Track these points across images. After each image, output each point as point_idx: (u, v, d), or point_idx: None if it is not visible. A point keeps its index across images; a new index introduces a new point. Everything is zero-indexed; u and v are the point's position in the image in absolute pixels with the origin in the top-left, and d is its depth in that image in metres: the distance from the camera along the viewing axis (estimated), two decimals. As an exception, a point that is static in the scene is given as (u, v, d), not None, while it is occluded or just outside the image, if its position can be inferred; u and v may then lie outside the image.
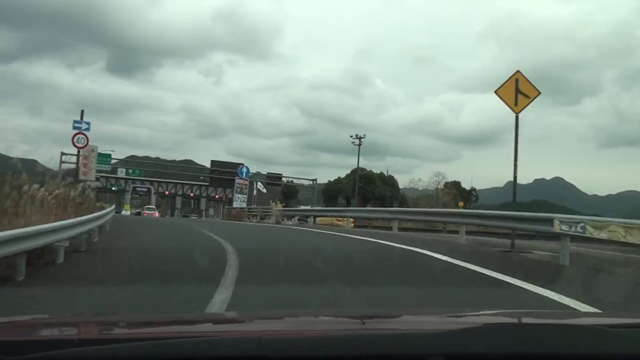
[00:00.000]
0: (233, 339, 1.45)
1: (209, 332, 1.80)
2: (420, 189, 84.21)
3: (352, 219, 22.99)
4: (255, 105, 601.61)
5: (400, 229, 17.95)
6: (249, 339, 1.39)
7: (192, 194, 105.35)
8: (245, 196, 33.01)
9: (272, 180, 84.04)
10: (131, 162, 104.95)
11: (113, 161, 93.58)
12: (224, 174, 71.45)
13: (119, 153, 71.64)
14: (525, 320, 2.02)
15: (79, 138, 22.95)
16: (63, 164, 68.15)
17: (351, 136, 66.68)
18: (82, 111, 23.51)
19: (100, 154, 69.39)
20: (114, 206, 25.15)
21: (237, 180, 32.94)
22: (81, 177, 26.05)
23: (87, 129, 23.19)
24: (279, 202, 34.93)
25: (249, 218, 31.04)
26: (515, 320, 2.00)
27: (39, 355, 1.24)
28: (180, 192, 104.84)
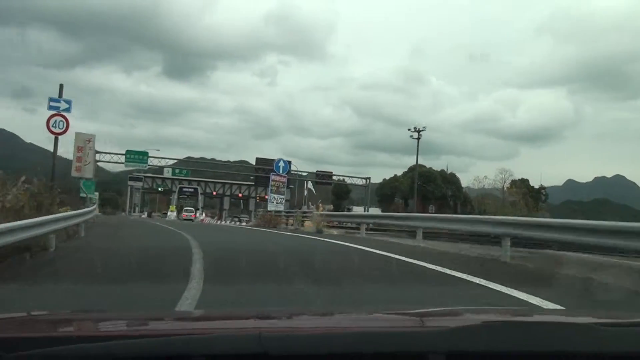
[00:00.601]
0: (232, 335, 1.45)
1: (207, 329, 1.76)
2: (487, 187, 75.75)
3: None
4: (308, 105, 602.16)
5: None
6: (248, 335, 1.41)
7: (240, 195, 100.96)
8: (282, 196, 26.60)
9: (322, 179, 77.09)
10: (182, 162, 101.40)
11: (169, 162, 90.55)
12: (269, 172, 66.18)
13: (175, 154, 67.38)
14: (524, 318, 2.07)
15: (56, 121, 17.20)
16: (99, 163, 64.98)
17: (409, 129, 60.37)
18: (61, 86, 17.86)
19: (134, 152, 65.30)
20: (91, 208, 19.48)
21: (272, 177, 26.34)
22: (74, 173, 20.78)
23: (68, 110, 17.46)
24: (321, 205, 29.03)
25: (287, 224, 25.30)
26: (514, 319, 2.04)
27: (32, 352, 1.24)
28: (228, 193, 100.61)
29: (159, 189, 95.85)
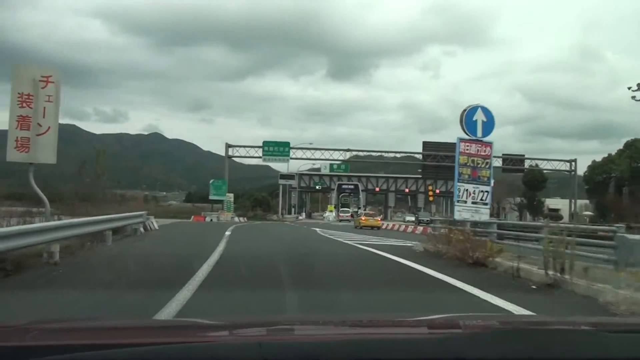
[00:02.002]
0: (232, 343, 1.49)
1: (207, 336, 1.78)
2: None
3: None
4: (475, 94, 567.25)
5: None
6: (248, 343, 1.43)
7: (407, 190, 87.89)
8: (486, 190, 11.69)
9: (510, 164, 59.77)
10: (352, 162, 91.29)
11: (335, 160, 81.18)
12: (441, 160, 51.83)
13: (344, 154, 57.37)
14: (532, 326, 2.11)
15: None
16: (245, 159, 56.85)
17: (629, 88, 42.72)
18: None
19: (273, 143, 55.61)
20: None
21: (461, 148, 11.83)
22: (11, 155, 9.64)
23: None
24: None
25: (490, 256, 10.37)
26: (522, 326, 2.06)
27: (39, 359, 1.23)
28: (392, 188, 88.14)
29: (316, 186, 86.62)
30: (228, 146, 56.46)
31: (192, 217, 46.38)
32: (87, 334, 1.81)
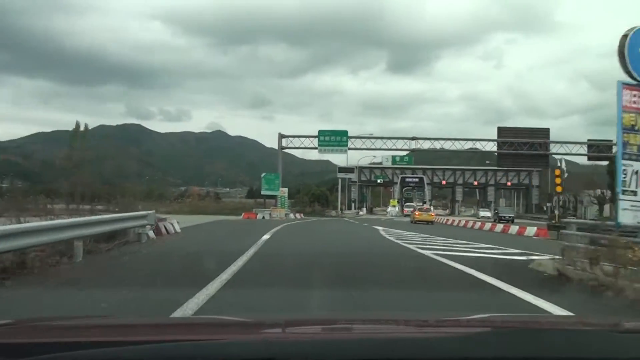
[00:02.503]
0: (241, 341, 1.48)
1: (217, 335, 1.74)
2: None
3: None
4: (539, 83, 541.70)
5: None
6: (257, 341, 1.47)
7: (476, 182, 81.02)
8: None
9: (595, 150, 52.19)
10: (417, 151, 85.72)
11: (397, 154, 75.64)
12: (519, 147, 45.33)
13: (408, 143, 51.56)
14: (535, 325, 2.10)
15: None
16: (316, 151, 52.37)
17: None
18: None
19: (329, 132, 50.63)
20: None
21: (626, 100, 7.40)
22: None
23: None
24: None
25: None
26: (525, 325, 2.06)
27: (44, 357, 1.22)
28: (460, 181, 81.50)
29: (378, 180, 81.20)
30: (281, 137, 52.09)
31: (243, 214, 42.21)
32: (95, 331, 1.82)
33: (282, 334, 1.79)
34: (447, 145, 54.63)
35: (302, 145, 52.30)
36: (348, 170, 69.22)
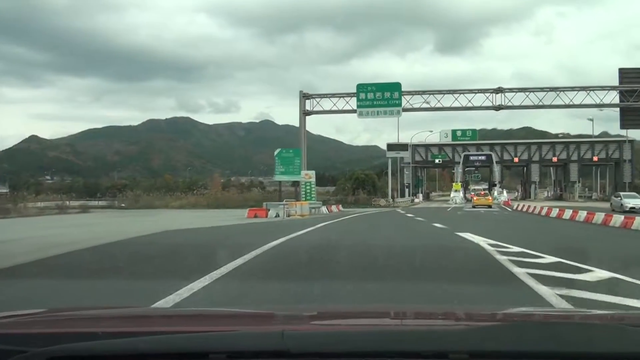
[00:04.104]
0: (255, 332, 1.51)
1: (229, 326, 1.78)
2: None
3: None
4: (593, 58, 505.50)
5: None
6: (271, 333, 1.44)
7: (555, 158, 67.15)
8: None
9: None
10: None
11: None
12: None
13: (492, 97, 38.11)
14: (547, 318, 2.08)
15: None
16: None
17: None
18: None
19: (376, 85, 35.78)
20: None
21: None
22: None
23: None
24: None
25: None
26: (537, 318, 2.06)
27: (56, 347, 1.24)
28: (536, 157, 67.87)
29: (436, 160, 68.55)
30: (304, 97, 37.42)
31: (248, 210, 28.80)
32: (107, 322, 1.84)
33: (297, 325, 1.80)
34: (547, 99, 38.92)
35: (334, 108, 38.03)
36: (400, 147, 57.00)
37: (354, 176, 60.95)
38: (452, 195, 58.84)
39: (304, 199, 32.17)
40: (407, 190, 63.00)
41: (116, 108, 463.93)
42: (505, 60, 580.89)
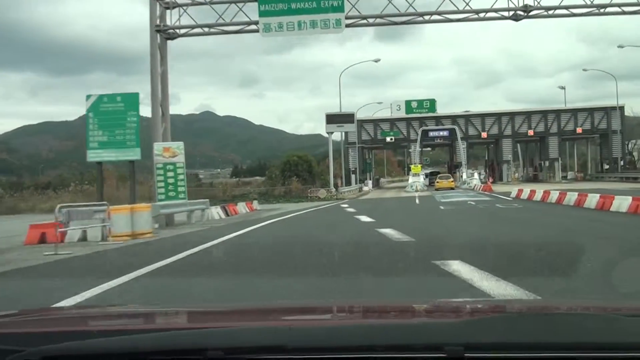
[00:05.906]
0: (252, 328, 1.49)
1: (227, 322, 1.77)
2: None
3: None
4: (531, 41, 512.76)
5: None
6: (278, 327, 1.46)
7: (531, 131, 55.17)
8: None
9: None
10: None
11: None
12: None
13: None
14: (542, 309, 2.06)
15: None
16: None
17: None
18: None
19: None
20: None
21: None
22: None
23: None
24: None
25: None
26: (532, 309, 2.05)
27: (53, 346, 1.23)
28: (508, 132, 55.81)
29: (387, 137, 55.06)
30: (163, 4, 20.23)
31: (29, 228, 13.31)
32: (106, 320, 1.85)
33: (303, 320, 1.82)
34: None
35: (220, 21, 22.06)
36: (343, 118, 43.36)
37: (285, 160, 46.85)
38: (410, 180, 45.72)
39: (162, 197, 17.63)
40: (353, 176, 49.55)
41: (54, 103, 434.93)
42: (446, 46, 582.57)
